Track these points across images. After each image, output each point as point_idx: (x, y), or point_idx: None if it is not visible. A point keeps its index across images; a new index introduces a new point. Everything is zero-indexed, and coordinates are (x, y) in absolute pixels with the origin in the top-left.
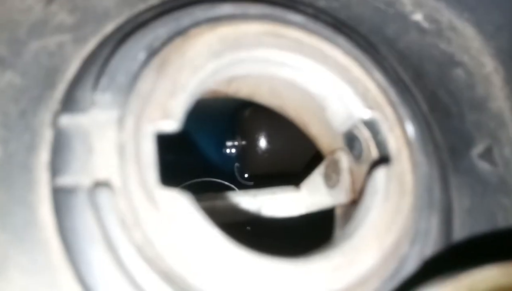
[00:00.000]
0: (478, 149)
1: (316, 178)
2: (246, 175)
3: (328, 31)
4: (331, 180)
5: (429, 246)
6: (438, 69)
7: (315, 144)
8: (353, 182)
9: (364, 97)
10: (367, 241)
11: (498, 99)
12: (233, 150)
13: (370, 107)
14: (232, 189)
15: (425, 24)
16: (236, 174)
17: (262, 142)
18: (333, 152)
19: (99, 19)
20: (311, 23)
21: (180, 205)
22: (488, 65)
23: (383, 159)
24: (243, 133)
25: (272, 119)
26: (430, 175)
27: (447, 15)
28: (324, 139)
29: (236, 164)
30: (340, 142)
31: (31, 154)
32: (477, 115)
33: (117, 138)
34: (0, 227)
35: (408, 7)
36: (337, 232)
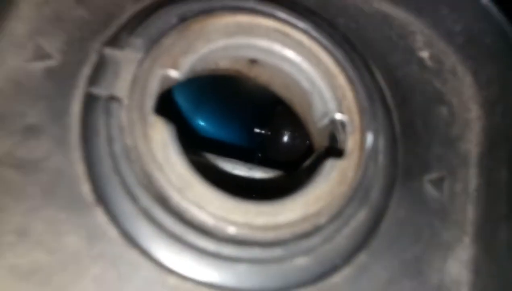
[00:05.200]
0: (431, 176)
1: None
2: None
3: (330, 43)
4: None
5: (350, 230)
6: (425, 102)
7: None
8: None
9: (340, 102)
10: (294, 204)
11: (469, 143)
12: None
13: (341, 111)
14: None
15: (429, 62)
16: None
17: (284, 137)
18: (319, 149)
19: None
20: (316, 32)
21: (161, 129)
22: (473, 111)
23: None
24: (271, 125)
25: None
26: (373, 178)
27: (452, 59)
28: (315, 136)
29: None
30: (326, 142)
31: (79, 66)
32: (444, 150)
33: (135, 72)
34: (45, 107)
35: (418, 43)
36: None
